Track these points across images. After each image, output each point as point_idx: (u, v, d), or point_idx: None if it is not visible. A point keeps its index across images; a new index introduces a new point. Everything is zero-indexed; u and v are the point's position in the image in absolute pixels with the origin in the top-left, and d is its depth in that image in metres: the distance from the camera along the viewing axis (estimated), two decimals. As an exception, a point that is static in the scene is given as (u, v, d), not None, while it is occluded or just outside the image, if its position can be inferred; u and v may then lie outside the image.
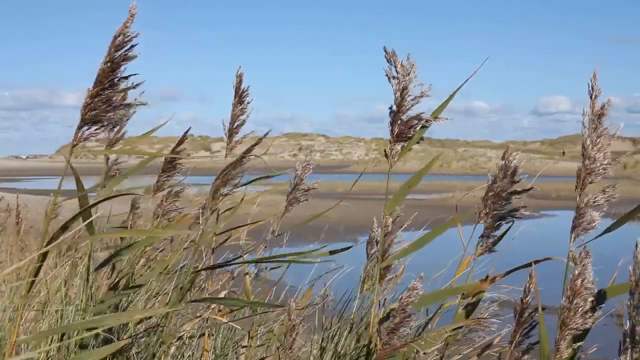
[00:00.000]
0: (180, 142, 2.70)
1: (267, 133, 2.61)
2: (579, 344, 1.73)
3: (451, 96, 1.97)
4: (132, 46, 1.65)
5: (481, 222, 2.13)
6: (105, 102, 1.65)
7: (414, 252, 2.12)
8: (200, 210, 2.53)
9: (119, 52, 1.64)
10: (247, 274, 2.66)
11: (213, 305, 2.58)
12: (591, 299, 1.64)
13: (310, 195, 2.77)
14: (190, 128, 2.74)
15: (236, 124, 2.50)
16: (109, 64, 1.64)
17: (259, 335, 2.72)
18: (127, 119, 2.45)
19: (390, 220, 2.08)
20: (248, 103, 2.48)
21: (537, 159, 67.61)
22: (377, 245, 2.30)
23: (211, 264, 2.51)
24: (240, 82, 2.47)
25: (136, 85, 1.69)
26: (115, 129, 2.52)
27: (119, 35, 1.64)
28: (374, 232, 2.30)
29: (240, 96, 2.47)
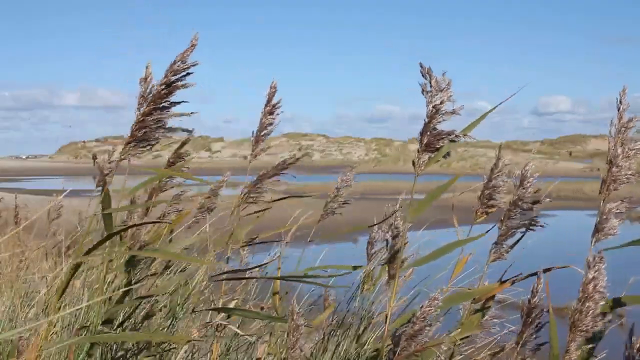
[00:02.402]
0: (183, 144, 2.71)
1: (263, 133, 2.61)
2: (590, 345, 1.74)
3: (484, 115, 2.05)
4: (189, 74, 1.69)
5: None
6: (156, 122, 1.69)
7: (415, 253, 2.13)
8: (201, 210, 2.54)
9: (176, 77, 1.67)
10: (276, 293, 2.69)
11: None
12: (602, 302, 1.66)
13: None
14: (193, 130, 2.75)
15: (263, 132, 2.57)
16: (164, 87, 1.68)
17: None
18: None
19: (401, 222, 2.10)
20: (278, 115, 2.55)
21: (537, 158, 67.51)
22: (376, 246, 2.30)
23: (224, 273, 2.51)
24: (273, 93, 2.54)
25: (191, 113, 1.73)
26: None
27: (178, 61, 1.67)
28: (374, 233, 2.30)
29: (272, 106, 2.55)
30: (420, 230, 2.80)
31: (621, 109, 1.88)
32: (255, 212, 2.68)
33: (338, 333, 2.58)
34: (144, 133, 1.70)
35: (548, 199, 2.09)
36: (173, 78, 1.68)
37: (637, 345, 1.66)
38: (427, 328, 1.87)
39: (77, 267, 1.67)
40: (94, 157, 4.60)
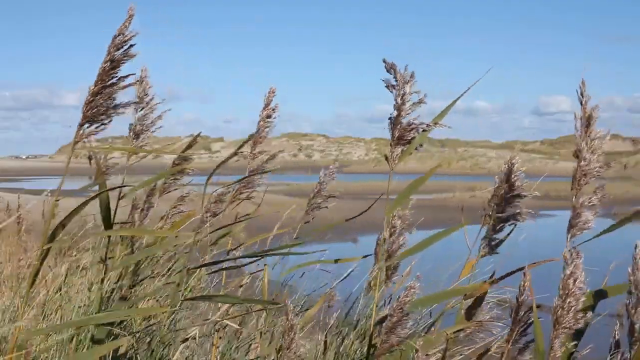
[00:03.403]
0: (190, 146, 2.73)
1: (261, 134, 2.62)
2: (574, 342, 1.74)
3: (452, 104, 2.06)
4: (131, 45, 1.70)
5: (486, 224, 2.15)
6: (107, 100, 1.69)
7: (422, 255, 2.13)
8: (206, 214, 2.54)
9: (119, 51, 1.68)
10: (265, 265, 2.72)
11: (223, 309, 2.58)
12: (583, 298, 1.66)
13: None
14: (200, 133, 2.83)
15: (261, 134, 2.70)
16: (109, 63, 1.69)
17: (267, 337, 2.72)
18: (154, 130, 2.53)
19: (399, 221, 2.11)
20: (275, 118, 2.68)
21: (537, 159, 67.68)
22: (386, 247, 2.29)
23: (205, 262, 2.51)
24: (272, 98, 2.65)
25: (136, 82, 1.74)
26: (140, 137, 2.57)
27: (118, 35, 1.68)
28: (384, 234, 2.29)
29: (271, 110, 2.67)
30: (420, 230, 2.80)
31: (584, 101, 1.82)
32: (247, 215, 2.70)
33: (341, 332, 2.58)
34: (95, 112, 1.70)
35: (533, 194, 2.07)
36: (116, 53, 1.69)
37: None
38: (405, 318, 1.89)
39: (46, 253, 1.69)
40: (90, 158, 4.61)
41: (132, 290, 2.35)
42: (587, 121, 1.82)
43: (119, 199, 2.51)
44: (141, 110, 2.51)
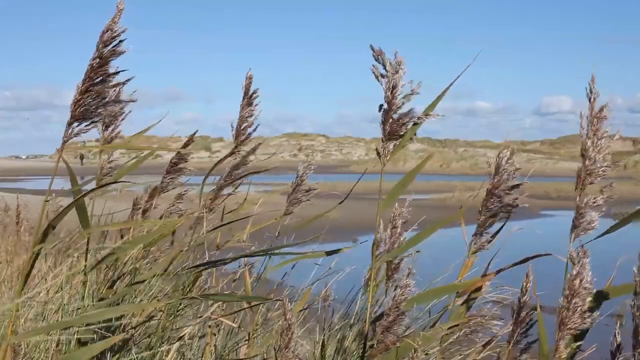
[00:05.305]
0: (187, 144, 2.69)
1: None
2: (578, 343, 1.73)
3: (442, 94, 1.98)
4: (120, 41, 1.64)
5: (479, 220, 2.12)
6: (95, 98, 1.64)
7: (421, 255, 2.12)
8: (203, 212, 2.53)
9: (107, 48, 1.64)
10: (247, 266, 2.66)
11: (215, 307, 2.57)
12: (589, 298, 1.64)
13: (312, 196, 2.75)
14: (196, 131, 2.75)
15: (243, 125, 2.51)
16: (97, 60, 1.64)
17: (259, 335, 2.70)
18: (123, 118, 2.46)
19: (400, 222, 2.09)
20: (256, 105, 2.49)
21: (537, 159, 67.60)
22: (383, 247, 2.28)
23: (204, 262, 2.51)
24: (249, 84, 2.47)
25: (126, 80, 1.70)
26: (110, 128, 2.51)
27: (106, 31, 1.63)
28: (379, 234, 2.28)
29: (249, 98, 2.48)
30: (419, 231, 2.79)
31: (592, 98, 1.77)
32: (232, 211, 2.67)
33: (339, 332, 2.58)
34: (83, 111, 1.65)
35: (522, 184, 2.04)
36: (105, 50, 1.63)
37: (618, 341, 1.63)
38: (401, 317, 1.86)
39: (37, 254, 1.67)
40: (82, 157, 4.61)
41: (116, 289, 2.33)
42: (596, 119, 1.78)
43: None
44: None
